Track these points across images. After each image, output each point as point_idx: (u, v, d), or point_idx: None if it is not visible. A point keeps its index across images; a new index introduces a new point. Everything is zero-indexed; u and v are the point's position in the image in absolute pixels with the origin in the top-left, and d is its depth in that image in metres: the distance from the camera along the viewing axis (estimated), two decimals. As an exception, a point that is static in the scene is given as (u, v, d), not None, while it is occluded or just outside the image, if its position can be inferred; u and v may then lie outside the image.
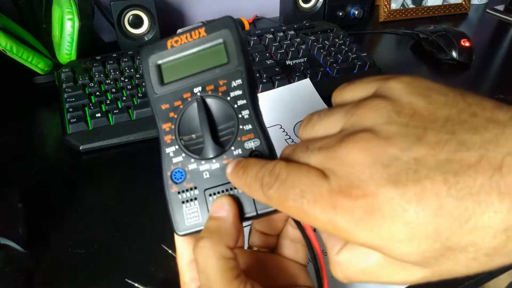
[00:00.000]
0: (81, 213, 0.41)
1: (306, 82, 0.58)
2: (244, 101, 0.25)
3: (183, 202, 0.24)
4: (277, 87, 0.57)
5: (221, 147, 0.24)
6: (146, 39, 0.68)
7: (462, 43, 0.70)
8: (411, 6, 0.88)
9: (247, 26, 0.79)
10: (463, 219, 0.15)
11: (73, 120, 0.50)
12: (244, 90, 0.25)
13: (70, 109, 0.51)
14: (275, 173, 0.20)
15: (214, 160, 0.24)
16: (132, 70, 0.58)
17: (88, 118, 0.51)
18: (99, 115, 0.51)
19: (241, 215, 0.24)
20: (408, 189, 0.16)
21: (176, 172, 0.25)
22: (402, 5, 0.87)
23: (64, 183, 0.45)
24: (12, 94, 0.61)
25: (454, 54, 0.69)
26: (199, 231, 0.24)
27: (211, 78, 0.25)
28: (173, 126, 0.25)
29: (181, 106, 0.25)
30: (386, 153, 0.17)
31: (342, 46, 0.66)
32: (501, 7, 0.93)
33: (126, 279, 0.34)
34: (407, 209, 0.16)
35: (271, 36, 0.67)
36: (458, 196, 0.15)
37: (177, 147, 0.25)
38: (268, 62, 0.61)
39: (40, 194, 0.43)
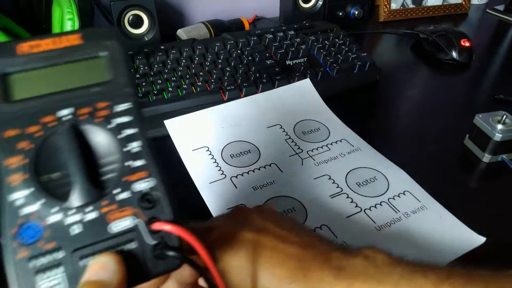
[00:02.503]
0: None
1: (306, 82, 0.58)
2: (134, 130, 0.19)
3: (40, 271, 0.17)
4: (277, 87, 0.57)
5: (99, 189, 0.18)
6: (146, 39, 0.68)
7: (462, 43, 0.70)
8: (411, 6, 0.88)
9: (247, 26, 0.79)
10: None
11: (73, 120, 0.50)
12: (134, 116, 0.20)
13: (70, 109, 0.51)
14: None
15: (88, 208, 0.18)
16: (131, 70, 0.58)
17: (88, 118, 0.51)
18: (99, 115, 0.50)
19: (130, 279, 0.18)
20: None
21: (26, 229, 0.17)
22: (402, 5, 0.87)
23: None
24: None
25: (454, 54, 0.69)
26: None
27: (86, 99, 0.19)
28: (25, 161, 0.18)
29: (38, 134, 0.18)
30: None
31: (342, 46, 0.66)
32: (501, 7, 0.93)
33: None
34: None
35: (271, 36, 0.67)
36: None
37: (31, 190, 0.18)
38: (268, 62, 0.61)
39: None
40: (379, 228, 0.39)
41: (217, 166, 0.46)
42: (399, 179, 0.45)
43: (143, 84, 0.56)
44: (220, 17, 0.78)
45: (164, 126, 0.51)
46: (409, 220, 0.40)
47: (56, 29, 0.63)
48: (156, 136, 0.51)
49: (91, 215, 0.18)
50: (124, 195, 0.19)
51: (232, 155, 0.47)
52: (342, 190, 0.43)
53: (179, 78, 0.58)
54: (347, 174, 0.46)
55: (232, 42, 0.65)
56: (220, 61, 0.61)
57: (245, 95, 0.56)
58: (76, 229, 0.18)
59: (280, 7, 0.84)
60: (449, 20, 0.90)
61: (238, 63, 0.60)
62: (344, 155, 0.48)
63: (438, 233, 0.38)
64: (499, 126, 0.46)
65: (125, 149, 0.19)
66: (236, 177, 0.44)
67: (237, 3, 0.85)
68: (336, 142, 0.50)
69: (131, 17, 0.66)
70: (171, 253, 0.19)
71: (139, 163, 0.19)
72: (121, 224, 0.18)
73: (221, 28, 0.74)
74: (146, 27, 0.67)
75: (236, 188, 0.43)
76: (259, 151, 0.48)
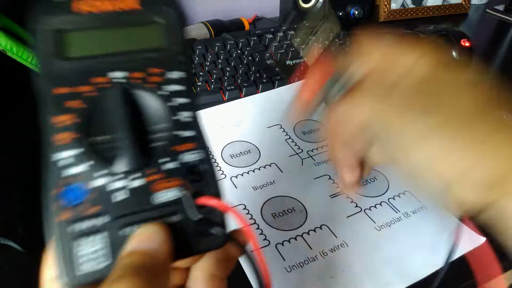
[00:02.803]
0: (81, 213, 0.41)
1: (306, 82, 0.58)
2: (185, 100, 0.19)
3: (79, 236, 0.17)
4: (277, 87, 0.57)
5: (147, 157, 0.18)
6: (146, 39, 0.67)
7: (462, 43, 0.70)
8: (411, 6, 0.88)
9: (247, 26, 0.79)
10: None
11: (73, 120, 0.50)
12: (186, 85, 0.19)
13: (70, 109, 0.51)
14: None
15: (134, 175, 0.18)
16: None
17: (88, 118, 0.51)
18: (99, 115, 0.50)
19: (174, 252, 0.17)
20: None
21: (69, 190, 0.17)
22: (402, 5, 0.87)
23: (64, 183, 0.45)
24: (12, 94, 0.61)
25: (454, 54, 0.69)
26: (102, 280, 0.16)
27: (140, 64, 0.19)
28: (77, 120, 0.17)
29: (89, 94, 0.18)
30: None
31: (343, 46, 0.66)
32: (501, 7, 0.93)
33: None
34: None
35: (271, 36, 0.67)
36: None
37: (80, 150, 0.17)
38: (268, 62, 0.61)
39: (40, 194, 0.43)
40: (379, 228, 0.39)
41: (217, 166, 0.46)
42: (399, 179, 0.45)
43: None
44: (220, 17, 0.78)
45: (164, 126, 0.50)
46: (409, 220, 0.40)
47: (56, 29, 0.63)
48: (156, 136, 0.50)
49: (137, 183, 0.18)
50: (172, 165, 0.18)
51: (232, 155, 0.47)
52: (342, 190, 0.43)
53: (179, 78, 0.58)
54: (347, 174, 0.45)
55: (232, 42, 0.65)
56: (220, 61, 0.61)
57: (245, 95, 0.56)
58: (120, 195, 0.17)
59: (280, 7, 0.84)
60: (449, 20, 0.90)
61: (238, 63, 0.60)
62: (344, 155, 0.48)
63: (438, 233, 0.38)
64: (499, 126, 0.46)
65: (175, 118, 0.19)
66: (236, 177, 0.44)
67: (237, 3, 0.85)
68: (336, 142, 0.50)
69: (131, 17, 0.66)
70: (215, 230, 0.18)
71: (188, 133, 0.19)
72: (166, 195, 0.18)
73: (221, 28, 0.74)
74: (146, 27, 0.67)
75: (236, 188, 0.43)
76: (259, 151, 0.48)
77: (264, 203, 0.41)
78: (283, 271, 0.35)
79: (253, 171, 0.45)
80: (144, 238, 0.17)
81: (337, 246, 0.38)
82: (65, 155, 0.17)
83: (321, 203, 0.42)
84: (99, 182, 0.17)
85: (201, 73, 0.58)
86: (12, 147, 0.50)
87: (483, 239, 0.38)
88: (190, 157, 0.19)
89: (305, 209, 0.41)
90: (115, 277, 0.15)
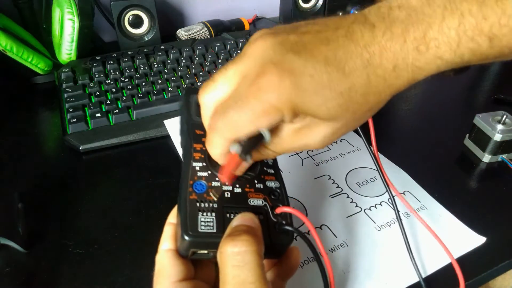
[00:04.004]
0: (81, 213, 0.41)
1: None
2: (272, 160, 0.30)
3: (199, 210, 0.25)
4: (277, 87, 0.57)
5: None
6: (146, 39, 0.68)
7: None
8: (411, 6, 0.88)
9: (247, 26, 0.79)
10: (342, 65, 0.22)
11: (73, 120, 0.50)
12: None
13: (70, 109, 0.51)
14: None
15: (237, 185, 0.27)
16: (132, 70, 0.58)
17: (88, 118, 0.51)
18: (99, 115, 0.51)
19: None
20: (304, 54, 0.22)
21: (198, 184, 0.27)
22: (402, 5, 0.87)
23: (64, 183, 0.45)
24: (12, 94, 0.61)
25: (454, 54, 0.69)
26: (208, 243, 0.25)
27: None
28: (204, 148, 0.28)
29: None
30: (278, 38, 0.22)
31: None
32: None
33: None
34: (306, 66, 0.21)
35: (271, 36, 0.67)
36: (331, 49, 0.22)
37: (204, 164, 0.28)
38: (268, 62, 0.61)
39: (40, 194, 0.43)
40: (379, 228, 0.39)
41: (217, 166, 0.46)
42: (399, 179, 0.45)
43: (143, 84, 0.56)
44: (220, 17, 0.78)
45: (164, 126, 0.51)
46: (409, 220, 0.40)
47: (56, 29, 0.63)
48: (156, 136, 0.51)
49: (238, 190, 0.27)
50: (260, 185, 0.28)
51: (232, 155, 0.47)
52: (342, 190, 0.43)
53: (179, 78, 0.58)
54: (347, 174, 0.46)
55: (232, 42, 0.65)
56: (220, 61, 0.61)
57: (245, 95, 0.56)
58: (227, 194, 0.27)
59: (280, 7, 0.84)
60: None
61: (238, 63, 0.60)
62: (344, 155, 0.48)
63: (438, 233, 0.38)
64: (499, 126, 0.46)
65: (265, 161, 0.29)
66: (236, 177, 0.44)
67: (237, 3, 0.85)
68: (336, 142, 0.50)
69: (131, 17, 0.66)
70: (288, 227, 0.26)
71: (271, 171, 0.29)
72: (255, 201, 0.27)
73: (221, 28, 0.74)
74: (146, 27, 0.67)
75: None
76: (259, 151, 0.48)
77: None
78: (283, 271, 0.35)
79: (253, 171, 0.45)
80: (246, 218, 0.24)
81: (337, 246, 0.38)
82: (197, 164, 0.28)
83: (321, 203, 0.42)
84: (215, 183, 0.27)
85: (201, 73, 0.58)
86: (12, 147, 0.50)
87: (483, 239, 0.38)
88: (271, 184, 0.29)
89: (305, 209, 0.41)
90: (233, 234, 0.23)
